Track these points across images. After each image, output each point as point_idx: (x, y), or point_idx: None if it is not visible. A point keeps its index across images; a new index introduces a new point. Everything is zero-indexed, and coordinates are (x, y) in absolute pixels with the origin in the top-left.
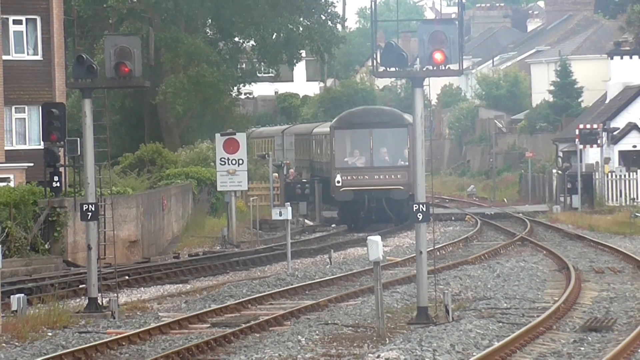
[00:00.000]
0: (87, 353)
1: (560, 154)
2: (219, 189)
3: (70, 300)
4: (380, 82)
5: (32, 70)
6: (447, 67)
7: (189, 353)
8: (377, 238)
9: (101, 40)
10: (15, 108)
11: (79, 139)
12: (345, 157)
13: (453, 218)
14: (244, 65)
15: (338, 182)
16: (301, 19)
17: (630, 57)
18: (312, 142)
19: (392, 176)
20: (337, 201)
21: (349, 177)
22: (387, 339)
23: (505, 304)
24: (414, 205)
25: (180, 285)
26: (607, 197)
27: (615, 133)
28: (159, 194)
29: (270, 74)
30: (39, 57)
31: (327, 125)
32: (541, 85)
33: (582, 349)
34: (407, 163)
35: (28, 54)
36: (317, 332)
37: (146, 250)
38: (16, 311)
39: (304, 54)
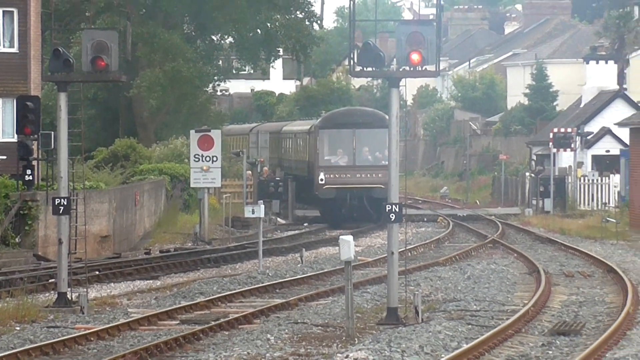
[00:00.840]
0: (55, 348)
1: (534, 157)
2: (192, 185)
3: (40, 295)
4: (357, 82)
5: (7, 62)
6: (423, 68)
7: (157, 350)
8: (349, 238)
9: (78, 33)
10: None
11: (53, 132)
12: (329, 156)
13: (425, 219)
14: (220, 63)
15: (321, 180)
16: (278, 16)
17: (606, 62)
18: (282, 140)
19: (374, 175)
20: (318, 199)
21: (332, 176)
22: (356, 339)
23: (475, 306)
24: (387, 206)
25: (151, 281)
26: (579, 201)
27: (589, 137)
28: (131, 190)
29: (247, 72)
30: (15, 50)
31: (298, 124)
32: (517, 88)
33: (550, 352)
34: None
35: (4, 47)
36: (286, 331)
37: (117, 246)
38: None
39: (281, 52)
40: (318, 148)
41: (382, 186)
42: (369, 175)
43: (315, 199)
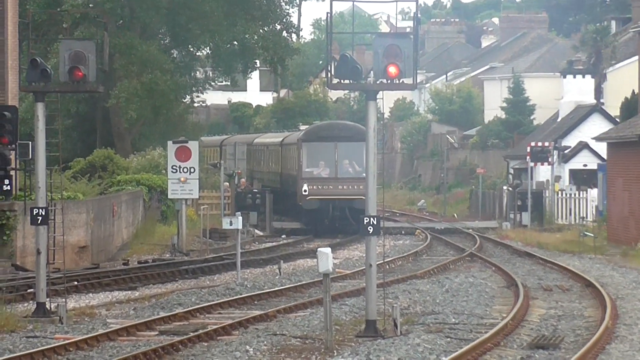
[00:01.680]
0: (34, 358)
1: (511, 170)
2: (169, 196)
3: (18, 305)
4: (334, 94)
5: None
6: (401, 81)
7: None
8: (327, 250)
9: (55, 44)
10: None
11: (30, 142)
12: (312, 168)
13: (403, 232)
14: (197, 74)
15: (305, 191)
16: (256, 27)
17: (583, 76)
18: (253, 152)
19: (355, 187)
20: (297, 210)
21: (315, 187)
22: (335, 351)
23: (453, 319)
24: (365, 219)
25: (129, 292)
26: (557, 215)
27: (566, 152)
28: (109, 200)
29: (225, 83)
30: None
31: (269, 136)
32: (494, 102)
33: None
34: None
35: None
36: (265, 342)
37: (95, 256)
38: None
39: (258, 64)
40: (301, 160)
41: (363, 197)
42: (350, 187)
43: (292, 210)
